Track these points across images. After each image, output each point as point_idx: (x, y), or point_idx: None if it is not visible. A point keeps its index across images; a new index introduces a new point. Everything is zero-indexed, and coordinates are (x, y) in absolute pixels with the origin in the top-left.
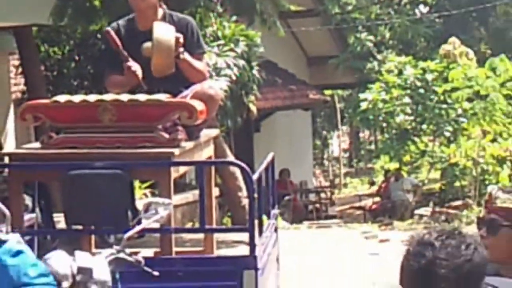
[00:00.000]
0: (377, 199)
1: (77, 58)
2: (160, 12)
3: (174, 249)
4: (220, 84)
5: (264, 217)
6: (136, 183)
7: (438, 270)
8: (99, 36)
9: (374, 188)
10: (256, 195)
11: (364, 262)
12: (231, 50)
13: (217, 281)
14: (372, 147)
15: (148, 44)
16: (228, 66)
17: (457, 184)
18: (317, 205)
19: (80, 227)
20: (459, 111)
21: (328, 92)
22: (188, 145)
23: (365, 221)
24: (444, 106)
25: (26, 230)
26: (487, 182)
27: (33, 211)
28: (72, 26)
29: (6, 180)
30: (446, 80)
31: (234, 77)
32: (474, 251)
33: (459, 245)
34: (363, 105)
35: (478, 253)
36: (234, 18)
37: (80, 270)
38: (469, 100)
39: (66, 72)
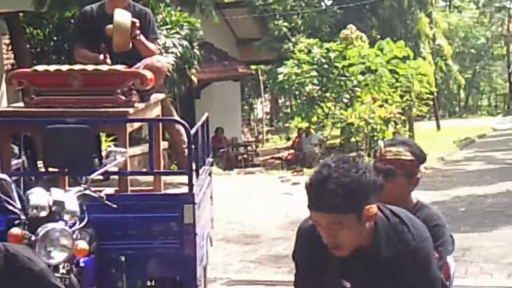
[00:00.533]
0: (292, 151)
1: (55, 38)
2: (125, 2)
3: (130, 188)
4: (167, 59)
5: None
6: (103, 138)
7: (329, 185)
8: (72, 20)
9: (290, 143)
10: (193, 146)
11: (280, 199)
12: (177, 33)
13: (163, 213)
14: (288, 110)
15: (110, 26)
16: (174, 46)
17: (352, 139)
18: (245, 156)
19: (56, 170)
20: (355, 82)
21: (253, 67)
22: (141, 106)
23: (282, 169)
24: (343, 78)
25: (13, 172)
26: (375, 138)
27: (19, 157)
28: (51, 13)
29: None
30: (344, 58)
31: (179, 54)
32: (363, 175)
33: (350, 168)
34: (280, 77)
35: (366, 177)
36: (179, 8)
37: (55, 202)
38: (362, 73)
39: (46, 49)
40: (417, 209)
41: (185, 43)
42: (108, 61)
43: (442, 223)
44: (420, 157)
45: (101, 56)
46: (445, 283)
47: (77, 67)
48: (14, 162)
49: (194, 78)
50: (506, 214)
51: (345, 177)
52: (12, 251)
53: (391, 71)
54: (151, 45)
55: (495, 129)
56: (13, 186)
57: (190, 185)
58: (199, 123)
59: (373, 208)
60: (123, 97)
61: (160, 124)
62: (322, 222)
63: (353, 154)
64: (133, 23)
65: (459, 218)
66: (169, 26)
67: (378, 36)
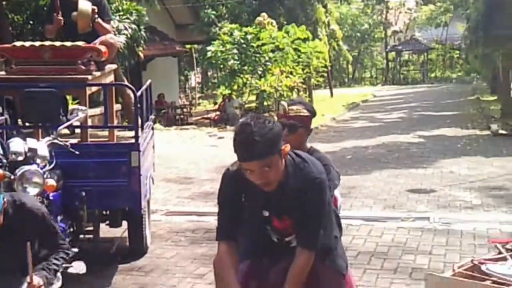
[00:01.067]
0: (218, 113)
1: (31, 22)
2: None
3: (90, 139)
4: (119, 38)
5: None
6: (70, 101)
7: (255, 138)
8: (45, 8)
9: (216, 106)
10: (139, 106)
11: (208, 150)
12: (127, 18)
13: (115, 158)
14: (215, 80)
15: (75, 13)
16: (125, 28)
17: (265, 103)
18: (181, 116)
19: (31, 124)
20: (266, 58)
21: (188, 46)
22: (97, 73)
23: (210, 126)
24: (257, 55)
25: None
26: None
27: (2, 115)
28: (28, 1)
29: None
30: (258, 39)
31: (129, 35)
32: (273, 125)
33: (264, 121)
34: (209, 54)
35: (276, 126)
36: None
37: (30, 149)
38: (272, 51)
39: (24, 31)
40: (311, 153)
41: (134, 26)
42: (60, 17)
43: (330, 163)
44: (313, 112)
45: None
46: (335, 209)
47: (47, 43)
48: None
49: (141, 54)
50: (382, 161)
51: (263, 129)
52: (19, 201)
53: (294, 49)
54: (106, 26)
55: (375, 96)
56: None
57: (136, 136)
58: (143, 87)
59: (287, 147)
60: (83, 67)
61: (113, 88)
62: (255, 168)
63: (265, 114)
64: (93, 9)
65: (346, 163)
66: (121, 13)
67: (285, 22)
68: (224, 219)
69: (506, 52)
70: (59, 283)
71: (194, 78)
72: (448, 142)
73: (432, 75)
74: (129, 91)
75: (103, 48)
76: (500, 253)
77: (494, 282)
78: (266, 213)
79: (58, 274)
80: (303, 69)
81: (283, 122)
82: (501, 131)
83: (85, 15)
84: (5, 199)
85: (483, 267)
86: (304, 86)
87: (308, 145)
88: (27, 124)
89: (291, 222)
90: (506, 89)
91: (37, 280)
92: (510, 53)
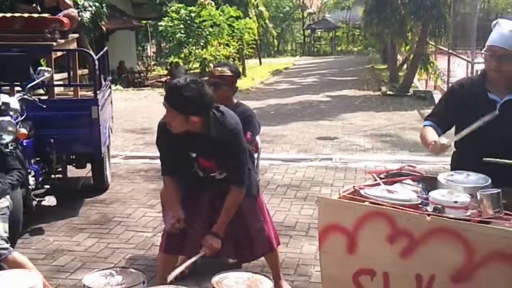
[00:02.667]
0: (168, 77)
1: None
2: None
3: (55, 94)
4: (84, 14)
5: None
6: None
7: (175, 88)
8: None
9: (166, 72)
10: (96, 68)
11: (160, 107)
12: None
13: (78, 111)
14: (167, 51)
15: None
16: (90, 6)
17: (207, 70)
18: (139, 80)
19: (5, 83)
20: (207, 32)
21: (144, 21)
22: (61, 41)
23: (162, 88)
24: (200, 29)
25: None
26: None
27: None
28: None
29: None
30: (200, 16)
31: (93, 12)
32: (204, 84)
33: (193, 84)
34: (160, 28)
35: (205, 86)
36: None
37: (3, 103)
38: (211, 26)
39: (2, 8)
40: (237, 106)
41: (97, 4)
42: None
43: (253, 114)
44: (236, 73)
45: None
46: (252, 154)
47: (17, 14)
48: None
49: (104, 28)
50: (298, 115)
51: (185, 88)
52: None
53: (229, 25)
54: (68, 1)
55: (294, 64)
56: None
57: (95, 93)
58: (100, 53)
59: (194, 119)
60: (49, 35)
61: (77, 54)
62: (166, 108)
63: (205, 78)
64: None
65: (270, 117)
66: None
67: (222, 3)
68: (165, 159)
69: (393, 31)
70: (55, 202)
71: (150, 49)
72: (349, 100)
73: (339, 48)
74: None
75: (65, 20)
76: (375, 180)
77: (369, 202)
78: (194, 155)
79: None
80: (237, 42)
81: (210, 81)
82: (389, 92)
83: None
84: None
85: (362, 191)
86: (238, 56)
87: (235, 100)
88: (1, 83)
89: (215, 161)
90: (393, 59)
91: None
92: (396, 31)
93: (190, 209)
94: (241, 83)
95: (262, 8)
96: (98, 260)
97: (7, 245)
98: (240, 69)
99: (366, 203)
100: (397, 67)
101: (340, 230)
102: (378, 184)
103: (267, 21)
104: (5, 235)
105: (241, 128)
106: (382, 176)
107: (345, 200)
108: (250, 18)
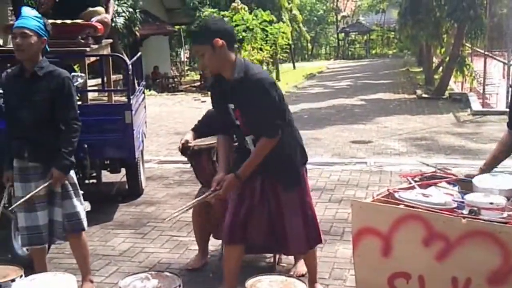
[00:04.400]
0: (202, 82)
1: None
2: None
3: (93, 100)
4: (118, 20)
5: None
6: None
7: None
8: None
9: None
10: (130, 74)
11: (193, 111)
12: (125, 3)
13: (112, 116)
14: None
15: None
16: (123, 12)
17: None
18: (173, 85)
19: None
20: (240, 37)
21: (177, 27)
22: (95, 46)
23: (195, 92)
24: None
25: None
26: None
27: None
28: None
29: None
30: (233, 21)
31: (127, 18)
32: (220, 24)
33: (218, 21)
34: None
35: (222, 26)
36: None
37: None
38: (244, 31)
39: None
40: None
41: (131, 10)
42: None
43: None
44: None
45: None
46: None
47: (50, 21)
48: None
49: (137, 33)
50: (331, 119)
51: (210, 22)
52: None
53: (262, 30)
54: (110, 9)
55: (328, 68)
56: None
57: (128, 98)
58: (134, 58)
59: (218, 41)
60: (82, 41)
61: (110, 59)
62: (196, 50)
63: None
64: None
65: (304, 121)
66: None
67: (255, 8)
68: (219, 120)
69: (428, 33)
70: (89, 207)
71: (183, 53)
72: (383, 104)
73: (373, 51)
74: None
75: (99, 25)
76: (409, 183)
77: (404, 205)
78: (232, 106)
79: (87, 204)
80: (270, 46)
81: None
82: (424, 95)
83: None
84: None
85: (396, 195)
86: (271, 60)
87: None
88: None
89: (243, 115)
90: (429, 62)
91: (56, 173)
92: (431, 33)
93: (243, 195)
94: None
95: (295, 12)
96: (132, 264)
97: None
98: (274, 74)
99: (401, 206)
100: (432, 69)
101: (375, 233)
102: (413, 188)
103: (300, 25)
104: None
105: (270, 81)
106: (416, 179)
107: (379, 203)
108: (284, 22)
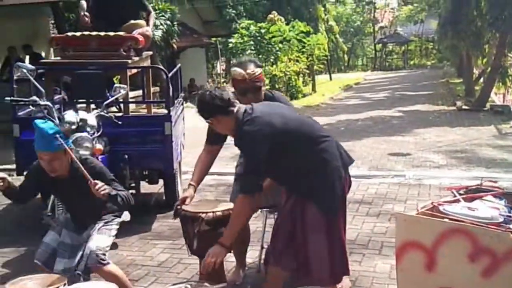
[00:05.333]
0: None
1: None
2: None
3: (131, 111)
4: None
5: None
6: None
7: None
8: None
9: None
10: (170, 85)
11: None
12: (162, 16)
13: (152, 127)
14: None
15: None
16: (161, 24)
17: (276, 86)
18: None
19: (83, 100)
20: (277, 48)
21: (213, 39)
22: (136, 58)
23: None
24: (269, 45)
25: (55, 101)
26: (290, 84)
27: (61, 93)
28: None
29: (44, 75)
30: (270, 33)
31: (164, 30)
32: (214, 89)
33: (210, 92)
34: (230, 46)
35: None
36: None
37: (81, 120)
38: (281, 42)
39: (78, 26)
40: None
41: (168, 22)
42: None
43: (281, 98)
44: (261, 66)
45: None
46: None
47: (93, 33)
48: (57, 96)
49: (175, 46)
50: (369, 131)
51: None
52: (84, 157)
53: (299, 41)
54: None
55: (365, 79)
56: (54, 109)
57: (168, 109)
58: (173, 70)
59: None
60: (124, 53)
61: (150, 71)
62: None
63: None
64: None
65: (341, 133)
66: (157, 11)
67: (291, 19)
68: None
69: (469, 43)
70: (129, 217)
71: (219, 66)
72: (422, 115)
73: (411, 62)
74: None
75: (140, 38)
76: (454, 196)
77: (450, 219)
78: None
79: (127, 214)
80: (307, 58)
81: (245, 88)
82: (464, 107)
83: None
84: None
85: (441, 208)
86: (308, 71)
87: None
88: (79, 100)
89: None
90: (469, 73)
91: (100, 184)
92: (472, 44)
93: (280, 220)
94: (311, 99)
95: (332, 22)
96: (171, 275)
97: (106, 257)
98: (310, 85)
99: (445, 219)
100: (473, 80)
101: (419, 247)
102: (458, 201)
103: (337, 36)
104: (107, 249)
105: (254, 135)
106: (461, 192)
107: (424, 216)
108: (321, 33)
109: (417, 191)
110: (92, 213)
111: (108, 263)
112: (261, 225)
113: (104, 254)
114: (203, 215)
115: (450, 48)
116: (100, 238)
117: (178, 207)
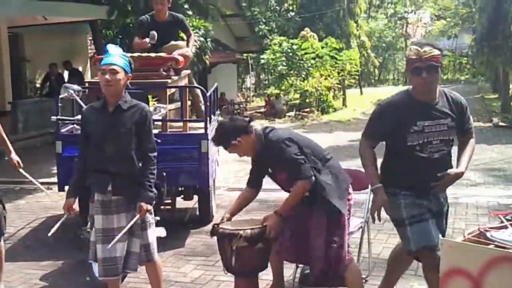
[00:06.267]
0: (268, 108)
1: (120, 36)
2: (167, 12)
3: (169, 129)
4: (192, 50)
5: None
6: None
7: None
8: (131, 25)
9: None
10: (208, 104)
11: None
12: (196, 32)
13: (188, 145)
14: (266, 82)
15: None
16: (195, 41)
17: (307, 100)
18: (239, 111)
19: None
20: (309, 64)
21: (245, 55)
22: (175, 78)
23: (261, 119)
24: (301, 61)
25: None
26: (321, 99)
27: None
28: (117, 20)
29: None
30: (302, 49)
31: (198, 46)
32: (225, 126)
33: (223, 123)
34: (262, 61)
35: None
36: (198, 16)
37: None
38: (313, 58)
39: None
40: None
41: (202, 39)
42: (147, 40)
43: None
44: (441, 49)
45: (145, 40)
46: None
47: (135, 54)
48: None
49: (207, 61)
50: None
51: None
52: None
53: (331, 57)
54: (190, 43)
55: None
56: None
57: (205, 127)
58: (211, 90)
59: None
60: (164, 73)
61: (187, 90)
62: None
63: (307, 109)
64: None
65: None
66: (192, 28)
67: (324, 35)
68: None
69: (505, 59)
70: (165, 233)
71: (250, 80)
72: None
73: (445, 77)
74: (198, 91)
75: (180, 58)
76: (502, 222)
77: (497, 246)
78: (270, 170)
79: (163, 229)
80: (338, 73)
81: (419, 67)
82: (501, 123)
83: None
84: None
85: (488, 234)
86: (339, 86)
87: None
88: None
89: (276, 171)
90: (505, 89)
91: (145, 206)
92: (508, 59)
93: (288, 217)
94: (342, 114)
95: (364, 38)
96: None
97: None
98: (341, 100)
99: (492, 246)
100: (509, 96)
101: (464, 275)
102: (505, 227)
103: (369, 51)
104: (154, 244)
105: (284, 142)
106: (509, 217)
107: (470, 243)
108: (352, 49)
109: (453, 210)
110: (128, 175)
111: (157, 258)
112: None
113: (153, 249)
114: (241, 232)
115: (486, 63)
116: (144, 235)
117: (215, 225)
